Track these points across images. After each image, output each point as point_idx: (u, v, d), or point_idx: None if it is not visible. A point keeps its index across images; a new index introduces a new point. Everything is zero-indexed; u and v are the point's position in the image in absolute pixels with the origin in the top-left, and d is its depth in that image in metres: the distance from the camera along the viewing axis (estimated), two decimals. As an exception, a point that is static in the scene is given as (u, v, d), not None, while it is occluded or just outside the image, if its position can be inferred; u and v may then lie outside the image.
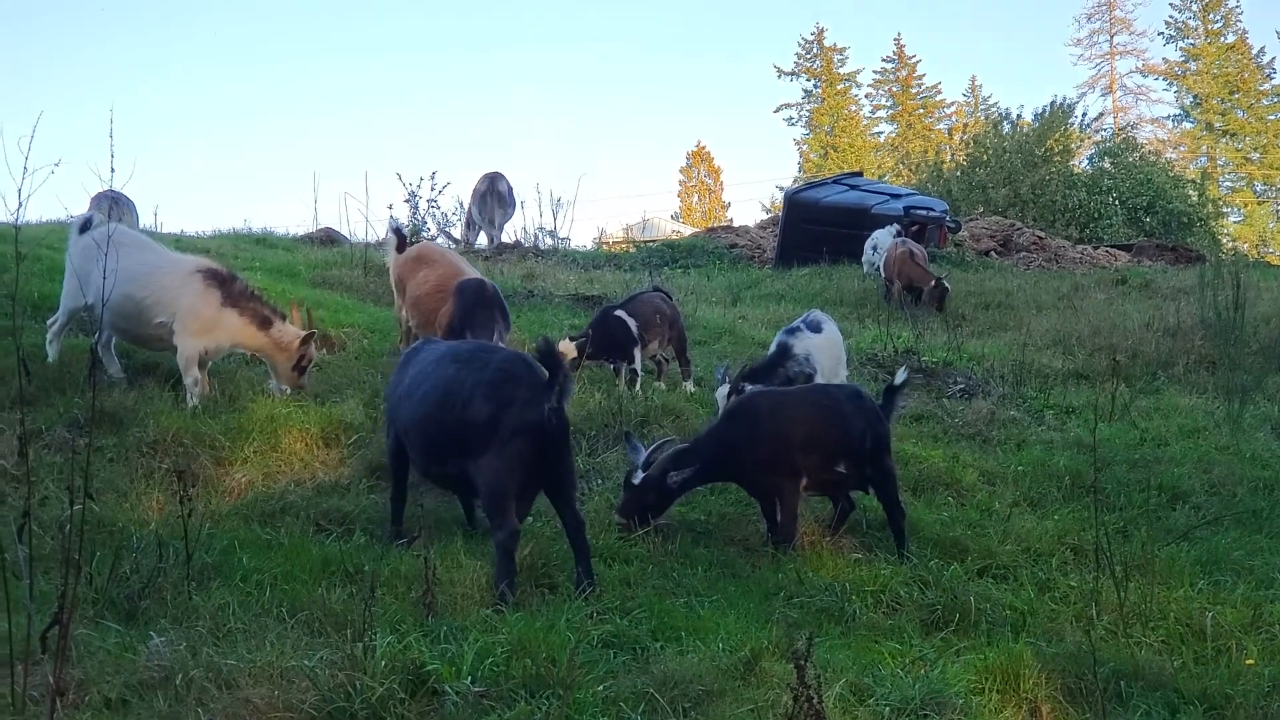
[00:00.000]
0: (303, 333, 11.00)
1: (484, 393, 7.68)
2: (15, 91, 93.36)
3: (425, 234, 25.55)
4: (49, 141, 5.81)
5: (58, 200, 27.01)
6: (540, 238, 29.70)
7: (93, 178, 9.48)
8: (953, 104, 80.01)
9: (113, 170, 6.63)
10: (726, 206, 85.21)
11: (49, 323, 11.32)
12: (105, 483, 8.53)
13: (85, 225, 11.20)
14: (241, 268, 13.42)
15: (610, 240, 39.36)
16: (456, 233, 27.75)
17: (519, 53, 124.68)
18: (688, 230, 50.24)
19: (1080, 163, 48.39)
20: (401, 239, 13.73)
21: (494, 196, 26.64)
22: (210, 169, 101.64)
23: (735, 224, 43.08)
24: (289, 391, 11.02)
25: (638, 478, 8.96)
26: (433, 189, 26.87)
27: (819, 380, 11.20)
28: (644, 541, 8.62)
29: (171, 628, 6.40)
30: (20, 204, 5.57)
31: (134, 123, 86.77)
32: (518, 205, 27.68)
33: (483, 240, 26.75)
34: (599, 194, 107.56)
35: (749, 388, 10.46)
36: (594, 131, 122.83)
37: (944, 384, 14.45)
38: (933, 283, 20.08)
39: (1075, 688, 6.60)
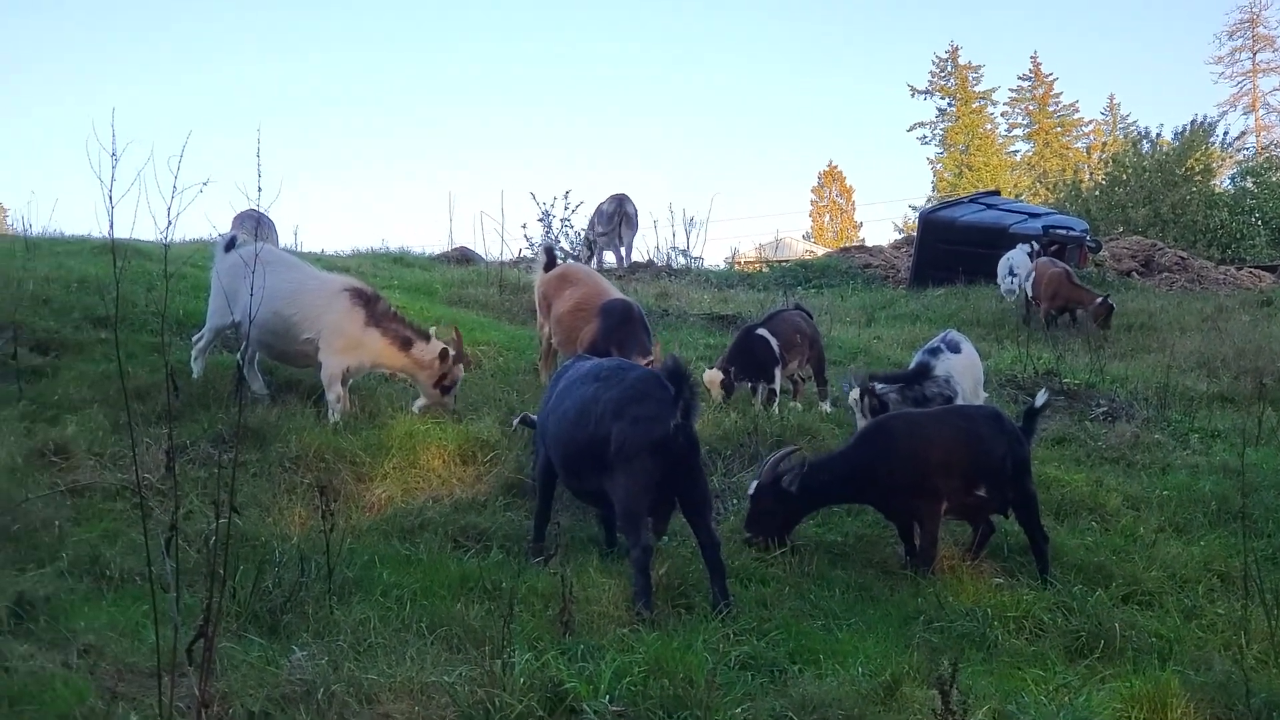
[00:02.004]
0: (440, 348, 11.09)
1: (614, 410, 7.75)
2: (166, 111, 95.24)
3: (558, 252, 25.61)
4: (197, 161, 5.88)
5: (205, 220, 27.45)
6: (673, 257, 29.70)
7: (238, 196, 9.62)
8: (1090, 122, 78.92)
9: (260, 190, 6.72)
10: (859, 226, 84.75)
11: (194, 339, 11.51)
12: (249, 497, 8.64)
13: (230, 244, 11.38)
14: (380, 286, 13.56)
15: (743, 260, 39.26)
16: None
17: (651, 72, 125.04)
18: (820, 250, 50.03)
19: (1222, 182, 47.51)
20: (551, 257, 13.90)
21: (622, 218, 26.64)
22: (348, 189, 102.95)
23: (868, 244, 42.84)
24: (431, 408, 11.10)
25: (752, 487, 8.95)
26: (566, 208, 27.02)
27: (959, 402, 11.06)
28: (780, 563, 8.58)
29: (313, 642, 6.47)
30: (170, 223, 5.64)
31: (276, 142, 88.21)
32: (651, 224, 27.74)
33: (609, 259, 26.76)
34: (731, 213, 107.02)
35: (879, 386, 10.40)
36: (726, 151, 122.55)
37: (1086, 406, 14.22)
38: (1098, 300, 19.69)
39: (1225, 718, 6.48)
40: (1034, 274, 20.58)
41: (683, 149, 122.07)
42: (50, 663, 5.88)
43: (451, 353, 11.11)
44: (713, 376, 12.11)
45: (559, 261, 14.25)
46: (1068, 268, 20.99)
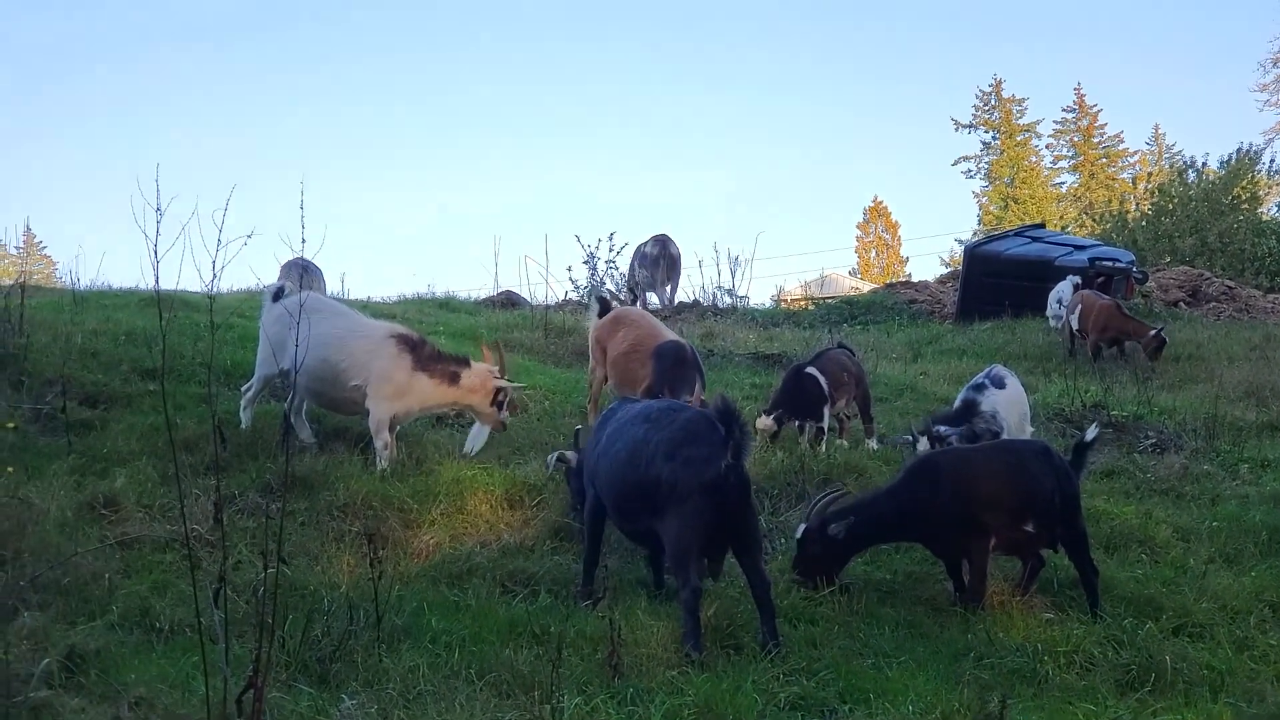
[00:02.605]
0: (491, 368, 11.18)
1: (665, 451, 7.76)
2: (210, 163, 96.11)
3: (603, 294, 25.65)
4: (241, 212, 5.95)
5: (250, 270, 27.70)
6: (719, 296, 29.70)
7: (282, 247, 9.71)
8: (1136, 153, 78.50)
9: (304, 240, 6.78)
10: (904, 261, 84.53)
11: (243, 389, 11.58)
12: (297, 546, 8.68)
13: (278, 294, 11.48)
14: (426, 331, 13.60)
15: (788, 298, 39.22)
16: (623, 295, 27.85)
17: (693, 109, 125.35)
18: (866, 286, 49.94)
19: (1269, 210, 47.27)
20: (605, 304, 14.00)
21: (667, 260, 26.68)
22: (393, 235, 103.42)
23: (914, 279, 42.72)
24: (484, 440, 11.13)
25: (799, 530, 8.93)
26: (610, 249, 27.08)
27: (1005, 437, 11.02)
28: (829, 601, 8.54)
29: (363, 690, 6.50)
30: (215, 275, 5.71)
31: (320, 191, 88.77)
32: (696, 264, 27.75)
33: (654, 301, 26.76)
34: (776, 251, 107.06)
35: (943, 429, 10.37)
36: (770, 189, 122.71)
37: (1135, 438, 14.13)
38: (1151, 333, 19.54)
39: (1278, 751, 6.42)
40: (1080, 306, 20.43)
41: (728, 187, 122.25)
42: (102, 716, 5.92)
43: (499, 370, 11.23)
44: (765, 424, 12.10)
45: (612, 306, 14.32)
46: (1116, 300, 20.90)
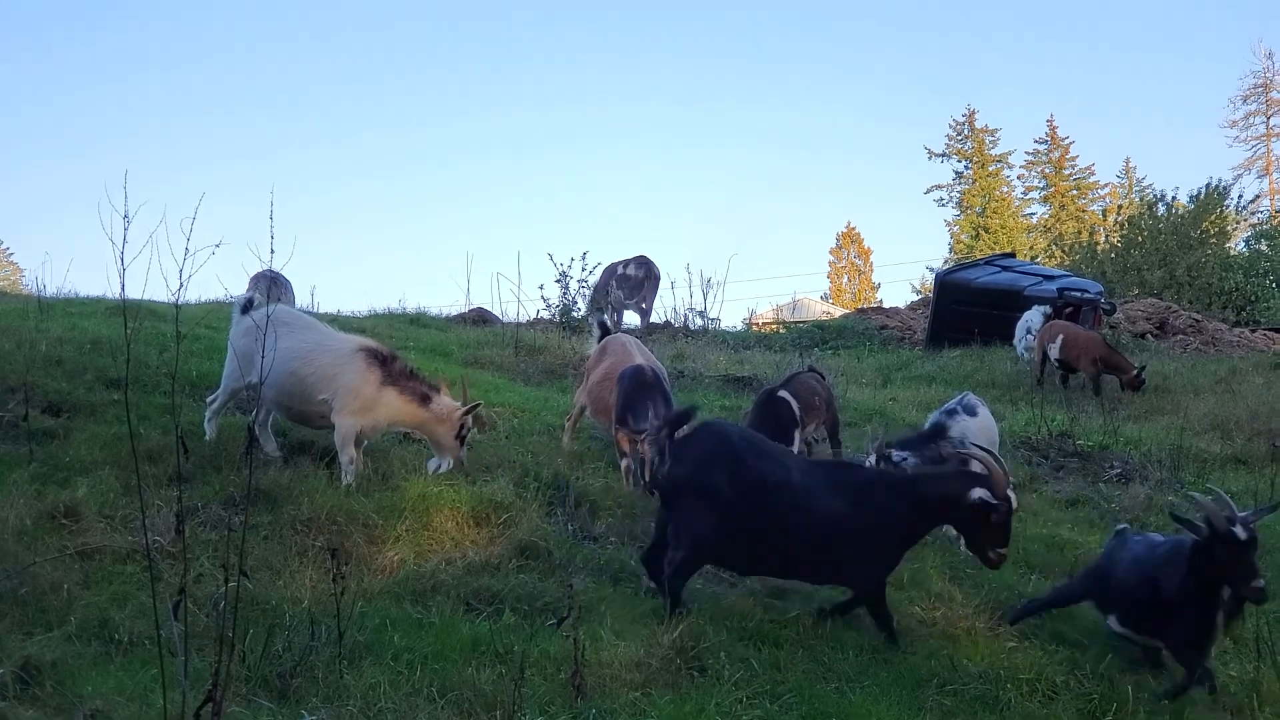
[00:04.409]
0: (461, 405, 11.07)
1: None
2: (178, 173, 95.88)
3: (575, 313, 25.62)
4: (209, 222, 5.91)
5: (218, 280, 27.56)
6: (690, 318, 29.74)
7: (251, 258, 9.62)
8: (1106, 185, 79.00)
9: (272, 251, 6.73)
10: (876, 287, 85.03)
11: (208, 401, 11.50)
12: (259, 560, 8.58)
13: (247, 306, 11.39)
14: (397, 346, 13.54)
15: (760, 321, 39.32)
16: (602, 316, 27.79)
17: (669, 132, 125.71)
18: (838, 311, 50.15)
19: (1237, 245, 47.72)
20: (604, 330, 14.18)
21: (650, 282, 26.79)
22: (364, 249, 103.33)
23: (885, 305, 42.87)
24: (446, 468, 11.08)
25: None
26: (583, 269, 27.04)
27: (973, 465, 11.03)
28: (794, 624, 8.53)
29: (323, 706, 6.45)
30: (181, 284, 5.66)
31: (291, 203, 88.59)
32: (669, 285, 27.87)
33: (629, 321, 26.76)
34: (749, 274, 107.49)
35: (896, 454, 10.38)
36: (744, 212, 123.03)
37: (1100, 468, 14.21)
38: (1133, 372, 19.68)
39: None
40: (1062, 337, 20.45)
41: (700, 209, 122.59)
42: (57, 728, 5.85)
43: (479, 406, 11.18)
44: None
45: (611, 332, 14.41)
46: (1099, 333, 21.10)
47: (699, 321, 29.58)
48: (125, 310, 7.78)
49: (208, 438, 11.23)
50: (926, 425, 11.64)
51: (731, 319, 37.64)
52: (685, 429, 9.02)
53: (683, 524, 8.55)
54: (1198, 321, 30.28)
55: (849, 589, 8.77)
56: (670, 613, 8.35)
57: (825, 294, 78.16)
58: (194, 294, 16.56)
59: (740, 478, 8.41)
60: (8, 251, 67.63)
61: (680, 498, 8.63)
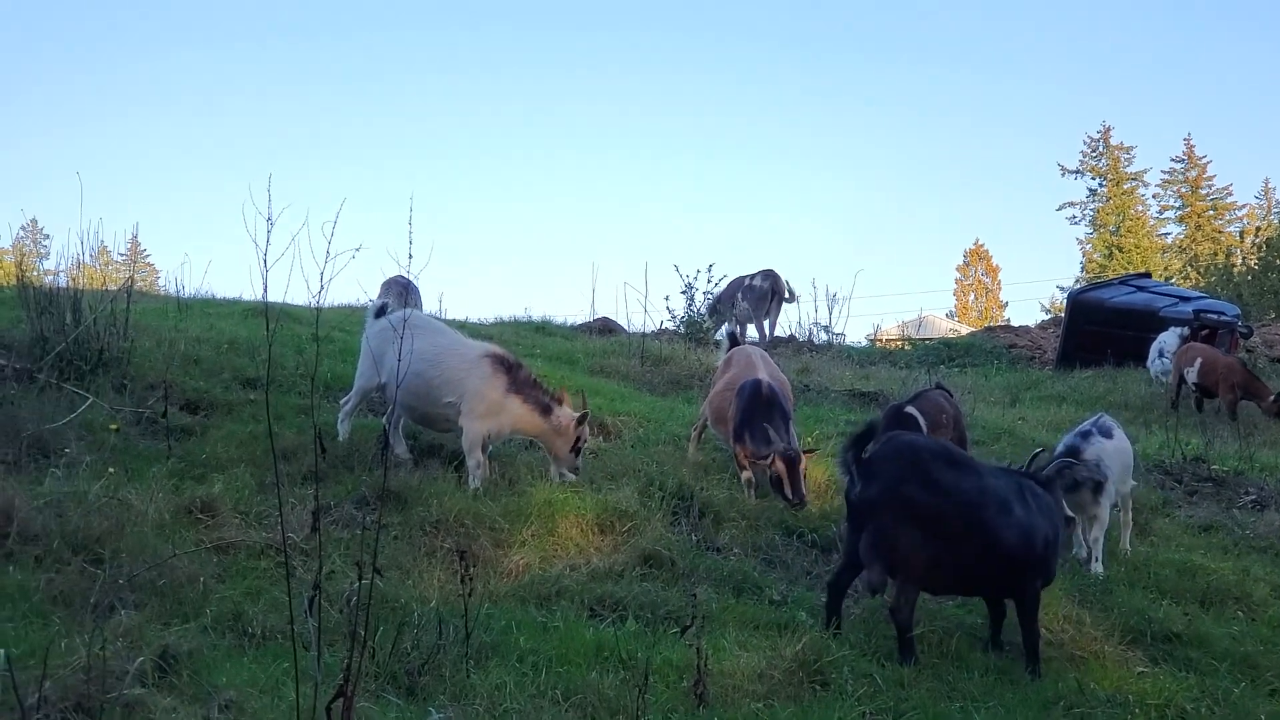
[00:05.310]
0: (576, 414, 11.20)
1: None
2: (322, 179, 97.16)
3: (702, 325, 25.61)
4: (348, 227, 6.00)
5: (356, 285, 27.86)
6: (815, 332, 29.64)
7: (388, 261, 9.74)
8: (1244, 206, 77.53)
9: (410, 256, 6.83)
10: (1004, 306, 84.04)
11: (342, 402, 11.72)
12: (390, 559, 8.71)
13: (381, 310, 11.63)
14: (523, 354, 13.64)
15: (885, 337, 39.11)
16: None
17: (799, 146, 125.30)
18: (964, 329, 49.72)
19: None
20: (733, 341, 14.38)
21: (776, 297, 26.77)
22: (491, 258, 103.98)
23: (1014, 323, 42.48)
24: (569, 477, 11.18)
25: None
26: (709, 281, 27.03)
27: (1108, 488, 10.91)
28: (919, 643, 8.47)
29: (450, 704, 6.53)
30: (322, 287, 5.75)
31: (424, 210, 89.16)
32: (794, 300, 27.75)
33: (752, 334, 26.68)
34: (875, 290, 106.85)
35: None
36: (870, 227, 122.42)
37: (1234, 494, 13.98)
38: (1271, 398, 19.37)
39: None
40: (1200, 360, 20.17)
41: (828, 224, 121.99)
42: (192, 717, 5.97)
43: (587, 417, 11.28)
44: None
45: (738, 343, 14.50)
46: (1238, 358, 20.81)
47: (824, 336, 29.49)
48: (267, 311, 7.92)
49: (340, 438, 11.43)
50: (1059, 448, 11.49)
51: (856, 335, 37.42)
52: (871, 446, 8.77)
53: (882, 544, 8.35)
54: (1336, 346, 29.70)
55: (1017, 601, 8.63)
56: (903, 645, 8.29)
57: (951, 311, 77.31)
58: (330, 298, 16.74)
59: (935, 490, 8.29)
60: (145, 254, 68.66)
61: (875, 517, 8.42)
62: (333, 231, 5.77)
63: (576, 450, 11.25)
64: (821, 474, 11.86)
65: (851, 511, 8.72)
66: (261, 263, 5.59)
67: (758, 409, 11.60)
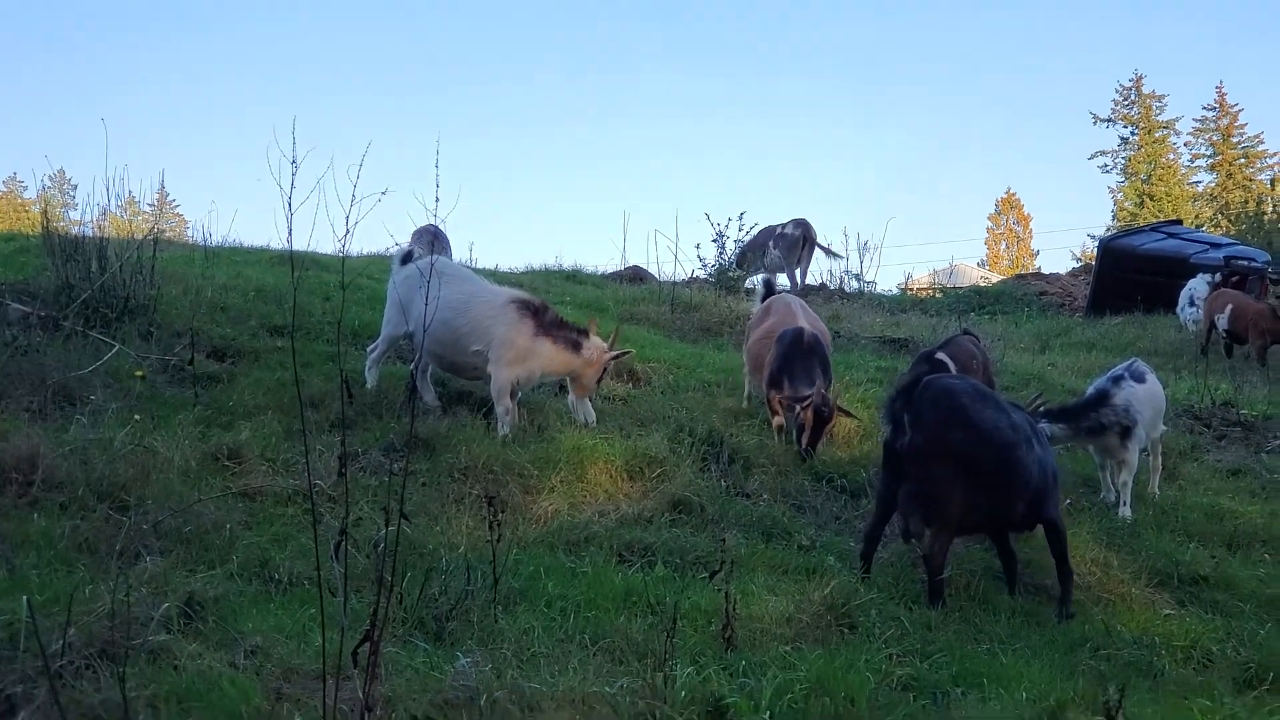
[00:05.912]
0: (608, 347, 11.31)
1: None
2: (346, 123, 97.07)
3: (731, 273, 25.49)
4: (375, 170, 5.96)
5: (383, 230, 27.82)
6: (846, 280, 29.57)
7: (416, 208, 9.73)
8: (1276, 154, 76.78)
9: (437, 200, 6.78)
10: (1035, 254, 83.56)
11: (369, 349, 11.71)
12: (418, 506, 8.71)
13: (407, 257, 11.60)
14: (553, 302, 13.62)
15: (916, 285, 38.96)
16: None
17: (830, 95, 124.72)
18: (995, 277, 49.51)
19: None
20: (770, 290, 14.43)
21: (809, 245, 26.61)
22: (523, 206, 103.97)
23: (1044, 271, 42.26)
24: (590, 416, 11.20)
25: None
26: (740, 229, 26.93)
27: (1138, 432, 10.84)
28: (947, 586, 8.45)
29: (477, 649, 6.50)
30: (348, 230, 5.70)
31: (452, 157, 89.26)
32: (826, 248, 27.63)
33: (782, 281, 26.58)
34: (906, 239, 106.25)
35: (1042, 425, 10.22)
36: (902, 176, 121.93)
37: (1263, 438, 13.92)
38: None
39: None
40: (1231, 307, 20.05)
41: (859, 172, 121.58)
42: (218, 663, 5.96)
43: (631, 354, 11.56)
44: None
45: (775, 291, 14.46)
46: (1269, 303, 20.64)
47: (855, 284, 29.42)
48: (292, 256, 7.88)
49: (368, 386, 11.42)
50: (1090, 391, 11.43)
51: (887, 283, 37.30)
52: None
53: (926, 491, 8.33)
54: (1366, 292, 29.50)
55: (1048, 531, 8.64)
56: (933, 589, 8.31)
57: (982, 260, 77.07)
58: (357, 246, 16.71)
59: (975, 433, 8.27)
60: (173, 202, 68.84)
61: (923, 465, 8.36)
62: (358, 174, 5.71)
63: (599, 377, 11.42)
64: (850, 421, 11.80)
65: (893, 461, 8.65)
66: (286, 206, 5.55)
67: (798, 357, 11.57)
